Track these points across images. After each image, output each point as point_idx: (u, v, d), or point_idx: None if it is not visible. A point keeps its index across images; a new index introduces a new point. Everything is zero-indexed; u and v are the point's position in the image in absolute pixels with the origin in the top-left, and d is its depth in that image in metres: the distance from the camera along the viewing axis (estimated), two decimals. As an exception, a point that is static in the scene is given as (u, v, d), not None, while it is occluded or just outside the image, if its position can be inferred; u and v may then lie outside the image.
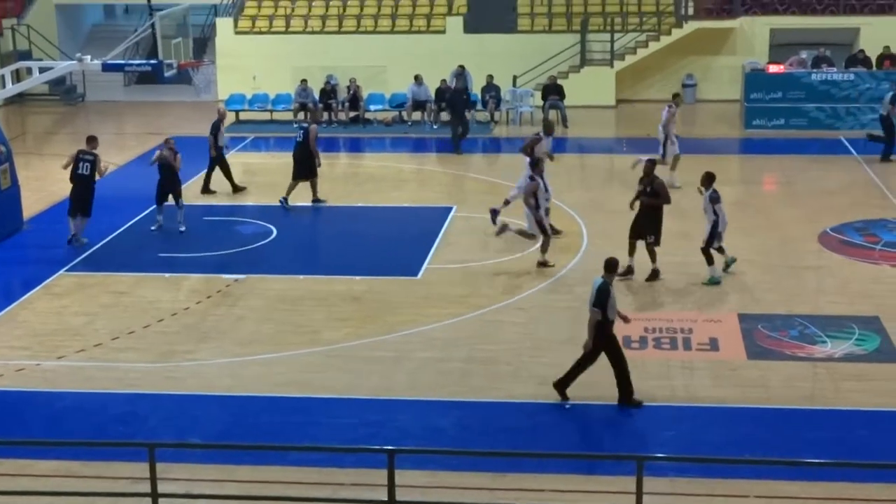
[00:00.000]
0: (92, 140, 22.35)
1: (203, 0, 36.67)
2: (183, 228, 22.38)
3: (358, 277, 19.84)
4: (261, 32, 36.50)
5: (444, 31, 35.69)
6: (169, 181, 22.45)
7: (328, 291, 19.20)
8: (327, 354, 16.56)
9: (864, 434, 13.90)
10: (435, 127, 32.20)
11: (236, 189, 25.46)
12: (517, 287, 19.14)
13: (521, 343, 16.86)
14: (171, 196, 22.48)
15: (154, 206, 22.73)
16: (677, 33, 34.75)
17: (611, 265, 14.83)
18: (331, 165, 27.92)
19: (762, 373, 15.64)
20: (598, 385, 14.77)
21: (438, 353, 16.50)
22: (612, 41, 34.47)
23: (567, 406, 14.75)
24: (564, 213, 23.28)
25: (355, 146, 30.98)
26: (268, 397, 15.26)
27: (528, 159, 21.19)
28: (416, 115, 32.97)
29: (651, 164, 19.87)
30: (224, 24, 36.47)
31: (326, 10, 36.88)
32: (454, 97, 30.30)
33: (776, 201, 25.03)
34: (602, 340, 14.59)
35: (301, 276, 19.97)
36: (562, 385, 14.86)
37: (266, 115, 33.97)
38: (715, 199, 19.23)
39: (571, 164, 28.92)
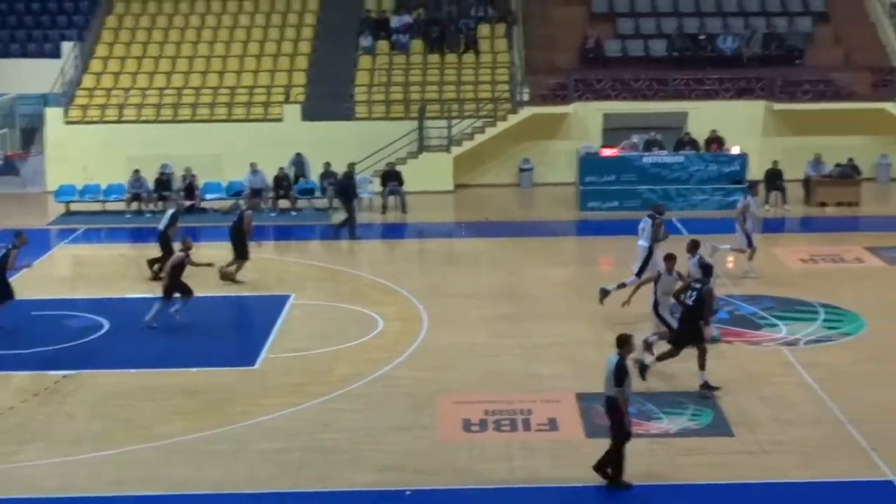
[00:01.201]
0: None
1: (32, 89, 35.86)
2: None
3: (193, 369, 19.34)
4: (92, 122, 35.83)
5: (281, 119, 35.60)
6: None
7: (161, 384, 18.65)
8: (162, 449, 16.02)
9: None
10: (273, 215, 31.97)
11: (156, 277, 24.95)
12: (356, 374, 18.89)
13: (360, 430, 16.59)
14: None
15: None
16: (513, 119, 35.35)
17: (624, 340, 14.57)
18: (166, 256, 27.34)
19: (601, 451, 15.65)
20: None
21: (277, 444, 16.12)
22: (450, 127, 34.87)
23: (407, 493, 14.53)
24: (404, 299, 23.22)
25: (191, 235, 30.42)
26: (100, 497, 14.65)
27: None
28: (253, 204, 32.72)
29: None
30: (54, 114, 35.70)
31: (161, 100, 36.44)
32: (344, 183, 29.95)
33: (612, 282, 25.33)
34: (620, 419, 14.36)
35: (133, 370, 19.37)
36: (609, 476, 14.50)
37: (98, 206, 33.23)
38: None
39: (410, 249, 29.02)
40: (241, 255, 24.81)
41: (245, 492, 14.66)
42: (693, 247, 20.17)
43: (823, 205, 31.50)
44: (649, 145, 33.19)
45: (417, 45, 38.29)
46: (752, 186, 26.44)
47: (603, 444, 15.78)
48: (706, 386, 17.56)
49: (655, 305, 18.89)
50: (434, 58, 37.89)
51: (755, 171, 32.80)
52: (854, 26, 38.87)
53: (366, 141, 34.24)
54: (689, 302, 17.63)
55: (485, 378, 18.71)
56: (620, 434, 14.43)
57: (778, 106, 35.36)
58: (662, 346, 18.48)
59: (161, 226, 25.30)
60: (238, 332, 21.40)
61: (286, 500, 14.44)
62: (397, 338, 20.75)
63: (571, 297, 23.78)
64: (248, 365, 19.55)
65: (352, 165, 30.62)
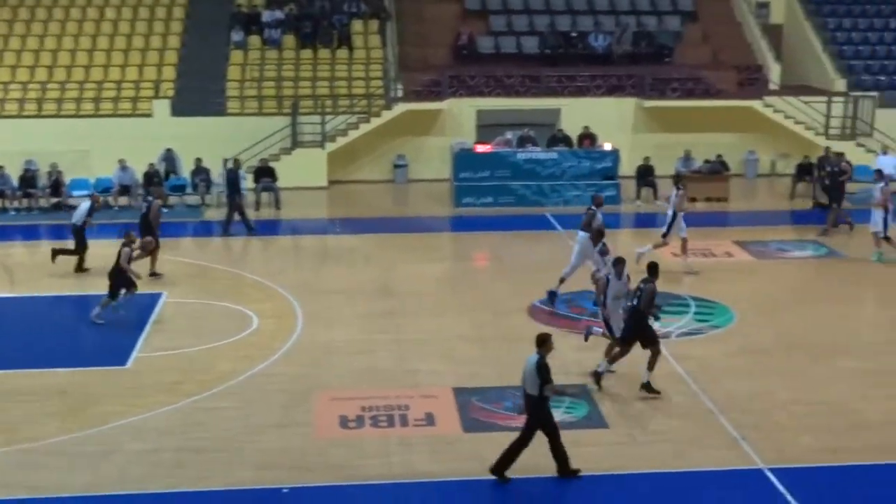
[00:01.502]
0: None
1: None
2: None
3: (62, 370, 18.84)
4: (-46, 117, 34.71)
5: (150, 115, 34.92)
6: None
7: (29, 385, 18.13)
8: (28, 452, 15.57)
9: (577, 498, 14.15)
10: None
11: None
12: (231, 372, 18.63)
13: (236, 429, 16.35)
14: None
15: None
16: (387, 115, 35.28)
17: (543, 340, 14.59)
18: (32, 253, 26.70)
19: (477, 445, 15.72)
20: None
21: (150, 444, 15.80)
22: (324, 123, 34.65)
23: (284, 491, 14.38)
24: (279, 296, 22.98)
25: (58, 234, 29.66)
26: (-37, 502, 14.18)
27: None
28: (123, 200, 32.10)
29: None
30: (-87, 110, 34.55)
31: (25, 94, 35.48)
32: (230, 178, 29.37)
33: (487, 277, 25.55)
34: (541, 416, 14.46)
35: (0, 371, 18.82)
36: (500, 468, 14.60)
37: (-41, 204, 32.23)
38: (604, 252, 20.32)
39: (284, 245, 28.74)
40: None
41: (115, 493, 14.32)
42: (598, 236, 20.91)
43: (693, 200, 32.03)
44: (523, 142, 33.42)
45: (290, 40, 37.96)
46: (680, 178, 26.76)
47: (480, 438, 15.89)
48: (648, 387, 17.60)
49: (604, 308, 18.76)
50: (307, 53, 37.61)
51: (627, 168, 33.32)
52: (721, 25, 39.71)
53: (238, 136, 33.79)
54: (635, 302, 17.67)
55: (361, 374, 18.61)
56: (533, 430, 14.48)
57: (648, 103, 35.94)
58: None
59: (76, 220, 25.14)
60: (109, 331, 20.90)
61: (161, 500, 14.15)
62: (272, 335, 20.52)
63: (446, 292, 23.81)
64: (119, 364, 19.11)
65: (236, 161, 30.09)
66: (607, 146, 33.23)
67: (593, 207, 23.01)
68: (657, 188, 32.60)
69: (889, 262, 25.55)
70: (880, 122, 35.72)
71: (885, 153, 33.63)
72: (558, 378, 17.89)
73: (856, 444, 15.90)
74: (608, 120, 35.41)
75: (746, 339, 20.43)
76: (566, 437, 15.81)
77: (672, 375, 18.45)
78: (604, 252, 20.59)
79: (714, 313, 21.95)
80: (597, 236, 21.17)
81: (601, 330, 18.81)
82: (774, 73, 38.18)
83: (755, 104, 35.85)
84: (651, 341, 17.65)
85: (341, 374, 18.53)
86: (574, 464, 14.75)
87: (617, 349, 18.03)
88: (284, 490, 14.41)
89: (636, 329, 17.70)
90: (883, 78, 37.87)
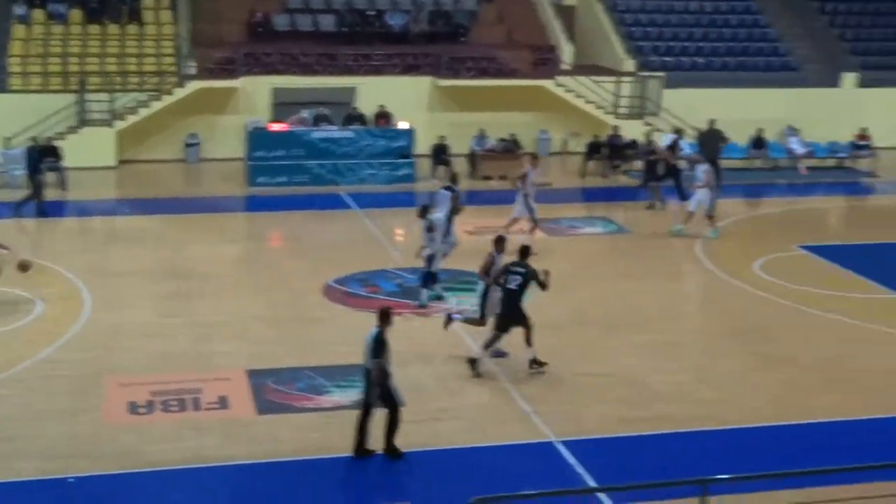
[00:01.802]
0: None
1: None
2: None
3: None
4: None
5: (-73, 91, 33.25)
6: None
7: None
8: None
9: (370, 477, 14.14)
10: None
11: None
12: (15, 359, 17.84)
13: (20, 417, 15.70)
14: None
15: None
16: (179, 93, 34.43)
17: (384, 314, 14.56)
18: None
19: (272, 427, 15.51)
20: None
21: (-76, 437, 15.04)
22: (112, 101, 33.57)
23: (70, 480, 13.87)
24: (65, 279, 22.19)
25: None
26: None
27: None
28: None
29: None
30: None
31: None
32: (30, 156, 27.93)
33: (282, 257, 25.27)
34: (385, 390, 14.46)
35: None
36: (389, 444, 14.62)
37: None
38: (430, 228, 20.88)
39: (71, 227, 27.80)
40: None
41: None
42: (422, 212, 21.25)
43: (488, 178, 32.43)
44: (318, 120, 33.15)
45: (76, 15, 36.64)
46: (535, 158, 26.87)
47: (275, 420, 15.69)
48: (536, 362, 17.64)
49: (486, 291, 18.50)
50: (94, 29, 36.36)
51: (422, 146, 33.40)
52: (515, 6, 40.18)
53: (21, 114, 32.45)
54: (515, 286, 17.54)
55: (153, 358, 18.11)
56: (367, 402, 14.55)
57: (443, 82, 36.11)
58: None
59: None
60: None
61: (-65, 495, 13.50)
62: (58, 320, 19.78)
63: (241, 273, 23.44)
64: None
65: (35, 139, 28.74)
66: (403, 125, 33.26)
67: (453, 187, 23.38)
68: (452, 166, 32.75)
69: (683, 236, 26.32)
70: (667, 102, 36.78)
71: (675, 134, 34.69)
72: (355, 357, 17.89)
73: (646, 415, 16.31)
74: (404, 99, 35.41)
75: (540, 315, 20.59)
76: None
77: (466, 352, 18.57)
78: (430, 229, 20.82)
79: (508, 290, 22.17)
80: (421, 211, 21.43)
81: (460, 317, 18.80)
82: (567, 53, 38.86)
83: (547, 84, 36.43)
84: (523, 319, 17.66)
85: (132, 359, 18.00)
86: (335, 445, 14.84)
87: (494, 333, 17.88)
88: (70, 480, 13.91)
89: (511, 313, 17.67)
90: (669, 59, 38.99)
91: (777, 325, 20.43)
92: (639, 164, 34.09)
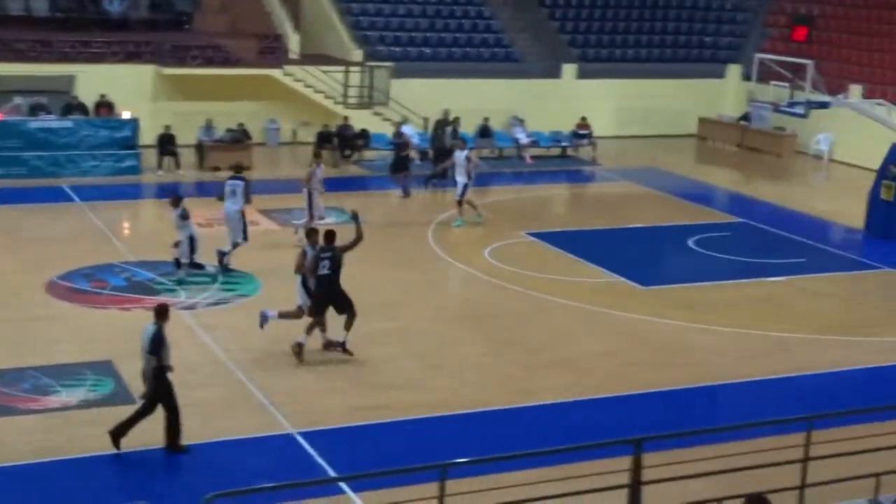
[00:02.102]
0: None
1: None
2: None
3: None
4: None
5: None
6: None
7: None
8: None
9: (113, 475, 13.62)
10: None
11: None
12: None
13: None
14: None
15: None
16: None
17: (162, 311, 14.52)
18: None
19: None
20: None
21: None
22: None
23: None
24: None
25: None
26: None
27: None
28: None
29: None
30: None
31: None
32: None
33: None
34: (161, 388, 14.21)
35: None
36: (117, 434, 14.20)
37: None
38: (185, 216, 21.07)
39: None
40: None
41: None
42: (175, 201, 21.36)
43: (217, 169, 31.78)
44: (35, 109, 31.72)
45: None
46: (318, 155, 26.52)
47: (-4, 424, 14.93)
48: (342, 348, 17.88)
49: (304, 281, 18.13)
50: None
51: (147, 137, 32.44)
52: (240, -7, 39.61)
53: None
54: (327, 271, 17.59)
55: None
56: (152, 401, 14.37)
57: (167, 71, 35.17)
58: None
59: None
60: None
61: None
62: None
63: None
64: None
65: None
66: (126, 114, 32.24)
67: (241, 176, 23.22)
68: (179, 157, 32.00)
69: (469, 225, 26.68)
70: (395, 92, 37.05)
71: (404, 123, 35.01)
72: (82, 355, 17.24)
73: (382, 402, 16.36)
74: (127, 87, 34.27)
75: (274, 306, 20.47)
76: (92, 415, 15.27)
77: (201, 346, 18.18)
78: (185, 216, 20.91)
79: (241, 283, 21.85)
80: (175, 200, 21.56)
81: (274, 313, 18.37)
82: (294, 42, 38.53)
83: (275, 73, 36.03)
84: (346, 304, 17.77)
85: None
86: (83, 446, 14.38)
87: (312, 320, 17.89)
88: None
89: (330, 296, 17.69)
90: (397, 49, 39.29)
91: (507, 311, 20.89)
92: (371, 154, 34.38)
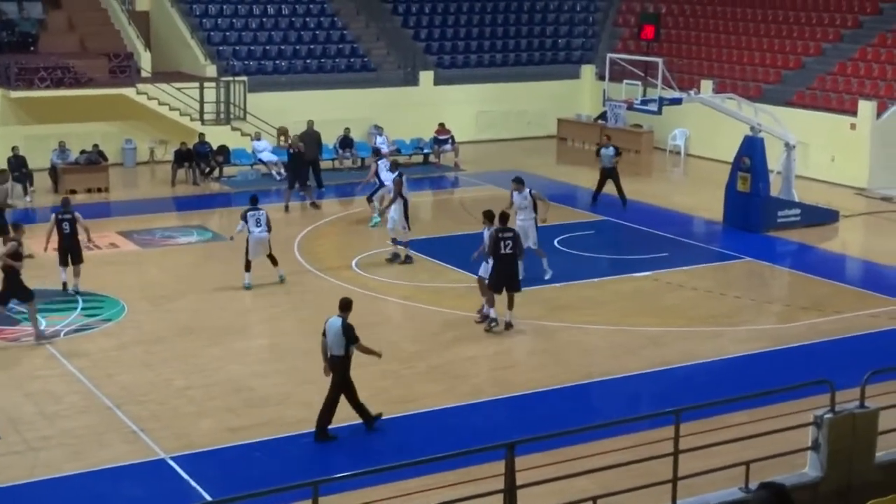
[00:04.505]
0: None
1: None
2: None
3: None
4: None
5: None
6: None
7: None
8: None
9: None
10: None
11: None
12: None
13: None
14: None
15: None
16: None
17: (346, 304, 15.57)
18: None
19: None
20: None
21: None
22: None
23: None
24: None
25: None
26: None
27: None
28: None
29: None
30: None
31: None
32: None
33: None
34: (346, 374, 15.34)
35: None
36: (323, 425, 15.22)
37: None
38: None
39: None
40: None
41: None
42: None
43: (73, 192, 30.99)
44: None
45: None
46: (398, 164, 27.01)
47: None
48: (507, 324, 19.81)
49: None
50: None
51: (-2, 162, 31.51)
52: (86, 13, 38.66)
53: None
54: (509, 250, 19.50)
55: None
56: (340, 387, 15.31)
57: (15, 94, 34.20)
58: None
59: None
60: None
61: None
62: None
63: None
64: None
65: None
66: (-26, 141, 31.30)
67: None
68: (31, 181, 31.12)
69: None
70: (251, 107, 36.67)
71: (258, 139, 34.67)
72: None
73: (256, 421, 16.13)
74: (-28, 113, 33.31)
75: (139, 330, 20.08)
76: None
77: (65, 375, 17.71)
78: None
79: (104, 306, 21.35)
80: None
81: (489, 310, 19.91)
82: (145, 60, 37.80)
83: (128, 92, 35.29)
84: (518, 285, 20.03)
85: None
86: None
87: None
88: None
89: (508, 275, 19.84)
90: (251, 63, 38.90)
91: (377, 321, 20.69)
92: (232, 171, 33.97)
